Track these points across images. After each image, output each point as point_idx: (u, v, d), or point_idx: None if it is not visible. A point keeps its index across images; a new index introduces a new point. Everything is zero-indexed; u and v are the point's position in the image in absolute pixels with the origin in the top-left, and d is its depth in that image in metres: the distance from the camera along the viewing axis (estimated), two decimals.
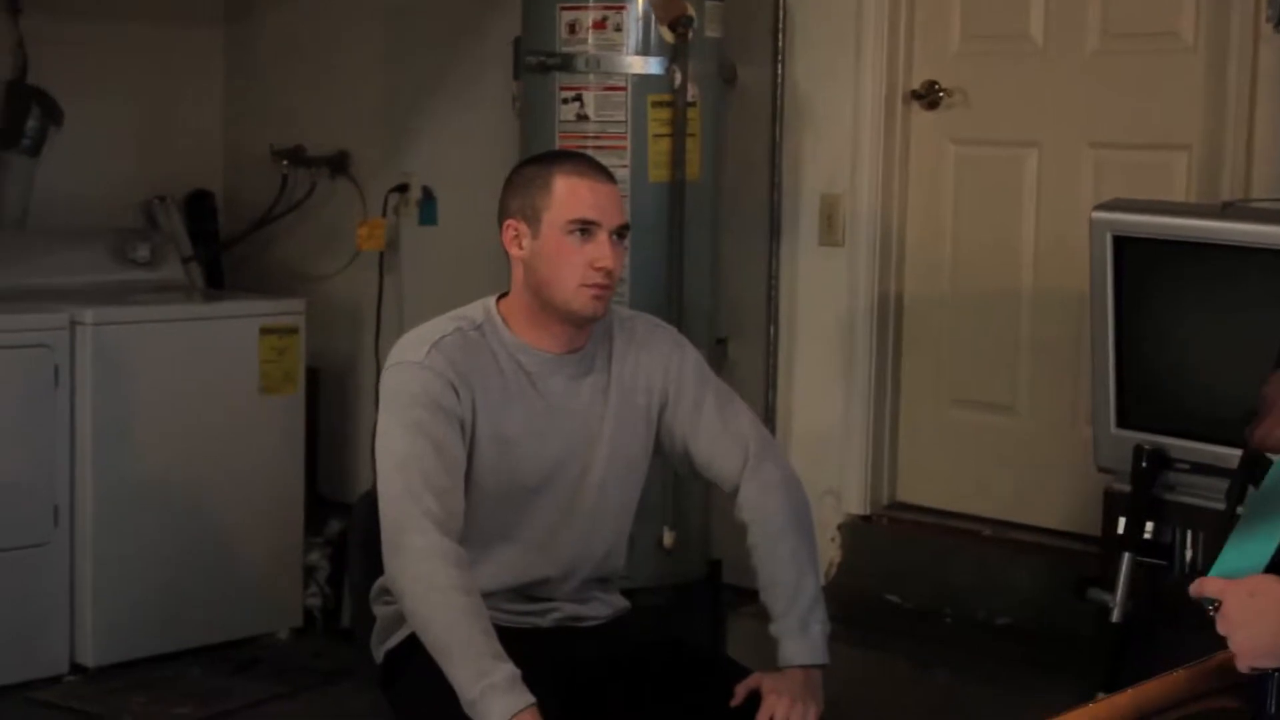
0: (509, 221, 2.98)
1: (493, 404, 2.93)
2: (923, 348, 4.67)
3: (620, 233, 2.96)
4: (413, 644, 2.86)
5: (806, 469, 4.62)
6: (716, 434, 3.06)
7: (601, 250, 2.92)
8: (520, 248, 2.96)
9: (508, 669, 2.70)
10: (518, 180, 3.01)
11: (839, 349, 4.68)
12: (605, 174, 3.00)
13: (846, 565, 4.66)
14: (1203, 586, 2.08)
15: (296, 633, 5.14)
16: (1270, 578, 2.03)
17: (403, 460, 2.86)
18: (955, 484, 4.62)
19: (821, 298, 4.71)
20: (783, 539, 3.00)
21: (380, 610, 3.02)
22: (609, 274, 2.92)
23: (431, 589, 2.77)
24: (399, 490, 2.85)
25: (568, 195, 2.92)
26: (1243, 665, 2.04)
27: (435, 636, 2.75)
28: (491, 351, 2.96)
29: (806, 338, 4.75)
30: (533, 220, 2.94)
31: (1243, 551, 2.07)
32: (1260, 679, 2.08)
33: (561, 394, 2.98)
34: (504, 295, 3.03)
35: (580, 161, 3.03)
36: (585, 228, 2.92)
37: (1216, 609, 2.05)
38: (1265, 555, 2.05)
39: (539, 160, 3.07)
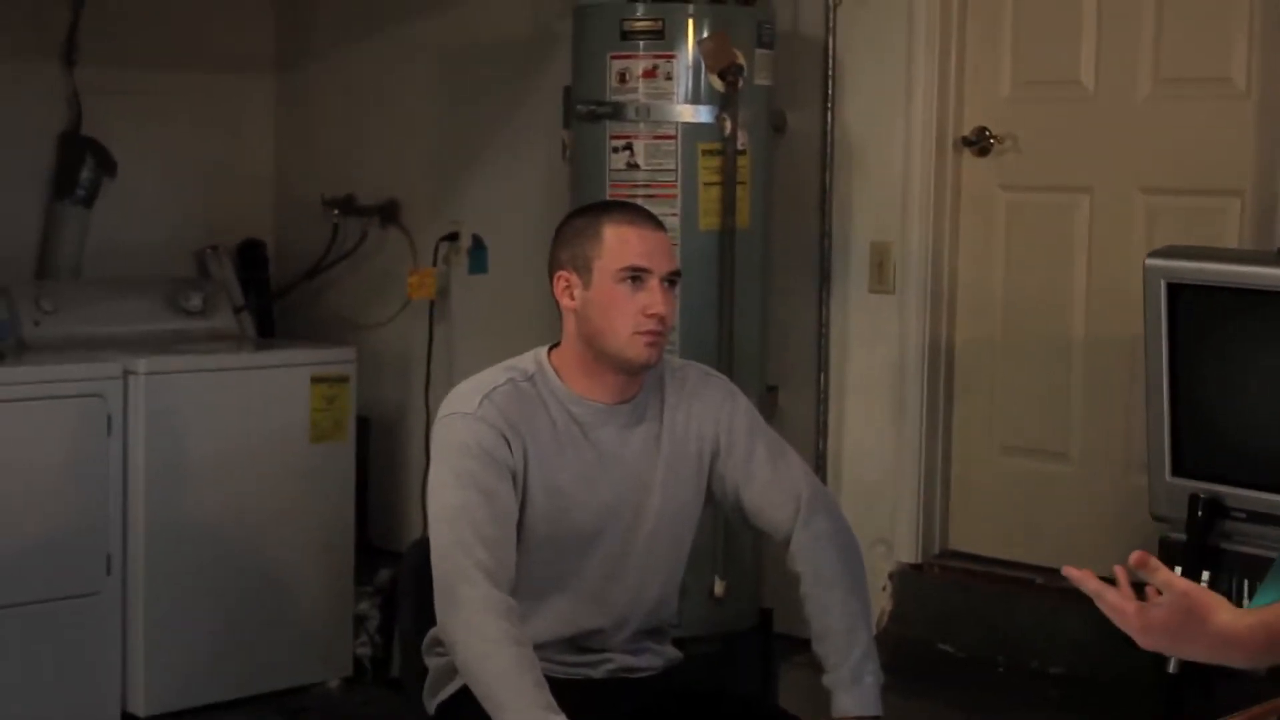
0: (560, 273, 2.98)
1: (544, 455, 2.92)
2: (974, 395, 4.65)
3: (671, 279, 2.96)
4: (465, 696, 2.85)
5: (857, 517, 4.60)
6: (768, 484, 3.05)
7: (653, 297, 2.92)
8: (572, 298, 2.96)
9: None
10: (567, 231, 3.01)
11: (890, 397, 4.67)
12: (655, 221, 3.00)
13: (898, 614, 4.63)
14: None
15: (347, 682, 5.12)
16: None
17: (454, 512, 2.86)
18: (1007, 532, 4.59)
19: (872, 345, 4.69)
20: (835, 589, 2.99)
21: (433, 662, 3.02)
22: (662, 320, 2.92)
23: (483, 641, 2.76)
24: (450, 542, 2.84)
25: (618, 244, 2.93)
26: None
27: (486, 688, 2.75)
28: (543, 402, 2.96)
29: (857, 385, 4.74)
30: (584, 270, 2.94)
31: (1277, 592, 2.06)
32: None
33: (613, 444, 2.98)
34: (555, 346, 3.03)
35: (629, 210, 3.03)
36: (636, 275, 2.92)
37: None
38: None
39: (588, 211, 3.08)
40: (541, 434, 2.93)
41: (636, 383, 3.01)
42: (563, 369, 2.99)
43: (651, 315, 2.91)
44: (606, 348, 2.94)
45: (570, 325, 2.98)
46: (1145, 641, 2.04)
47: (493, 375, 2.98)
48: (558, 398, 2.97)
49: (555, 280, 2.99)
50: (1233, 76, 4.15)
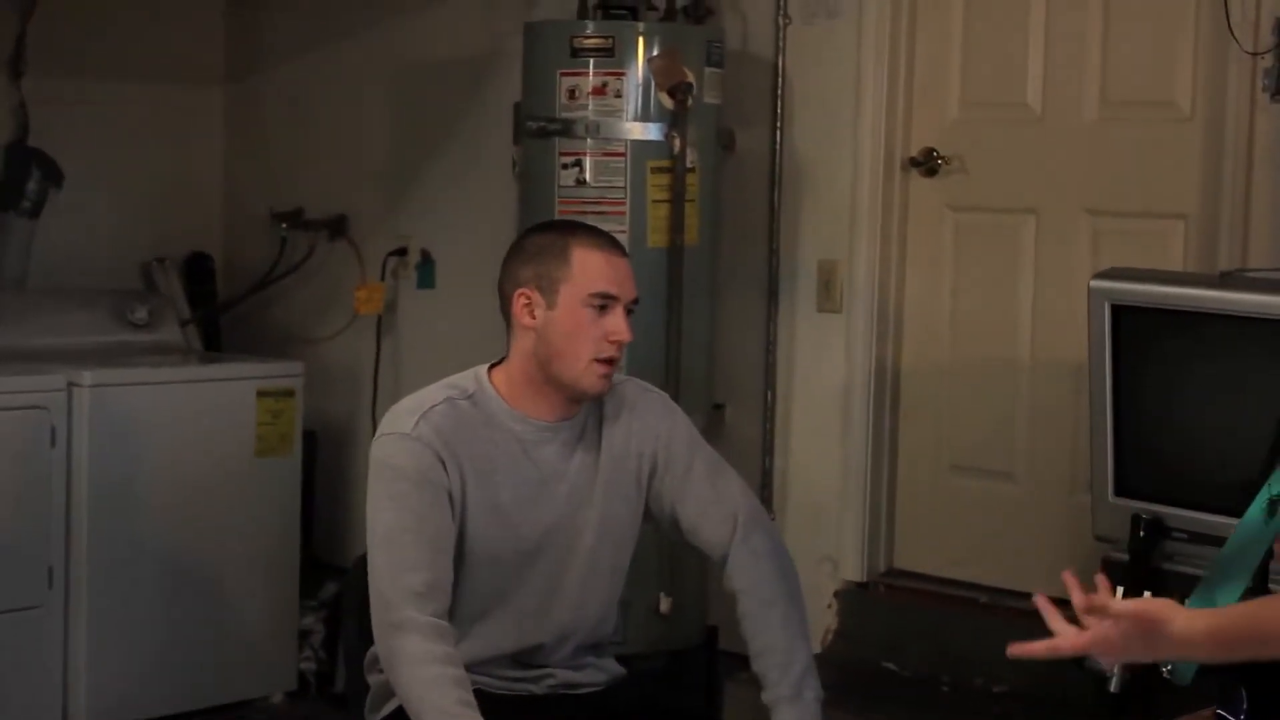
0: (522, 290, 2.94)
1: (482, 474, 2.92)
2: (921, 414, 4.67)
3: (631, 307, 2.96)
4: (405, 713, 2.85)
5: (803, 536, 4.65)
6: (706, 501, 3.05)
7: (618, 324, 2.91)
8: (533, 317, 2.93)
9: None
10: (530, 248, 2.97)
11: (837, 415, 4.68)
12: (620, 248, 2.99)
13: (843, 633, 4.64)
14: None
15: (290, 696, 5.10)
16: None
17: (385, 535, 2.88)
18: (953, 551, 4.60)
19: (819, 364, 4.71)
20: (774, 607, 3.00)
21: (374, 679, 3.01)
22: (621, 348, 2.93)
23: (410, 663, 2.79)
24: (382, 566, 2.87)
25: (588, 268, 2.91)
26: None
27: (415, 710, 2.77)
28: (483, 421, 2.95)
29: (804, 404, 4.75)
30: (548, 290, 2.91)
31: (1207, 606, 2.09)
32: None
33: (555, 461, 2.98)
34: (495, 364, 3.02)
35: (596, 233, 3.00)
36: (605, 303, 2.91)
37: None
38: None
39: (552, 229, 3.06)
40: (480, 453, 2.92)
41: (579, 404, 3.01)
42: (505, 387, 2.98)
43: (614, 341, 2.91)
44: (562, 372, 2.92)
45: (526, 344, 2.95)
46: (1108, 661, 2.13)
47: (431, 394, 2.96)
48: (498, 416, 2.96)
49: (515, 298, 2.94)
50: (1177, 100, 4.19)
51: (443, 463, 2.88)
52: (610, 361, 2.92)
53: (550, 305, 2.92)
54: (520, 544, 2.95)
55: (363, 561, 3.07)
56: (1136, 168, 4.25)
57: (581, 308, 2.90)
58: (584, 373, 2.91)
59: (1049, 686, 4.12)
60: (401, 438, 2.90)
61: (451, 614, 2.89)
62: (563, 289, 2.91)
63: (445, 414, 2.92)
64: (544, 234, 3.01)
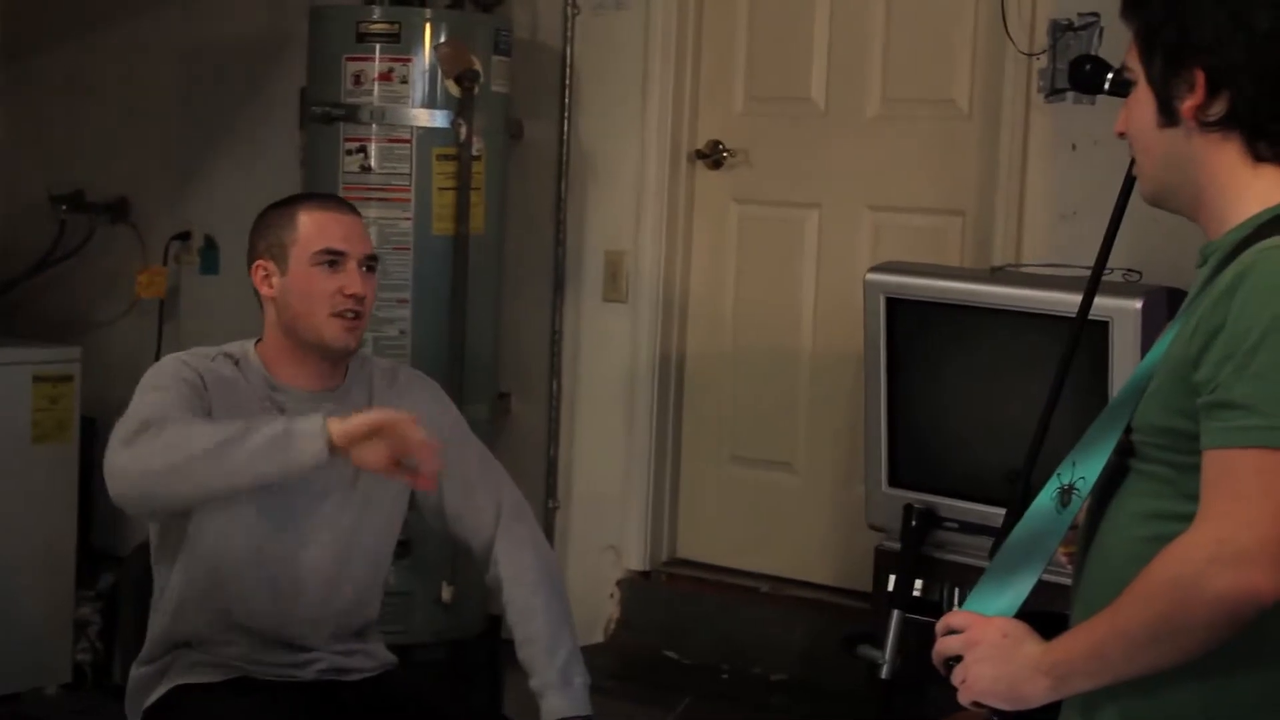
0: (258, 262, 3.00)
1: None
2: (704, 405, 4.71)
3: (369, 264, 2.99)
4: (168, 703, 2.82)
5: (587, 525, 4.67)
6: (471, 490, 3.07)
7: (351, 278, 2.95)
8: (271, 286, 2.98)
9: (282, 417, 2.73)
10: (263, 223, 3.04)
11: (621, 405, 4.70)
12: (349, 207, 3.06)
13: (626, 621, 4.66)
14: (954, 617, 2.08)
15: (65, 688, 5.01)
16: (1024, 625, 2.04)
17: (143, 410, 2.82)
18: (734, 541, 4.65)
19: (604, 354, 4.73)
20: (537, 595, 3.03)
21: (136, 671, 2.97)
22: (360, 300, 2.95)
23: (177, 428, 2.74)
24: (132, 417, 2.80)
25: (313, 228, 2.97)
26: (966, 698, 2.02)
27: (207, 448, 2.71)
28: (247, 384, 2.96)
29: (589, 393, 4.77)
30: (280, 257, 2.97)
31: (987, 604, 2.09)
32: None
33: None
34: (260, 340, 3.04)
35: (323, 197, 3.12)
36: (333, 258, 2.95)
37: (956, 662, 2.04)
38: (1011, 609, 2.06)
39: (283, 202, 3.11)
40: (243, 412, 2.90)
41: (340, 371, 3.03)
42: (265, 358, 3.01)
43: (349, 295, 2.93)
44: (305, 332, 2.95)
45: (270, 314, 3.00)
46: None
47: (202, 350, 3.01)
48: (261, 383, 2.98)
49: (254, 270, 3.01)
50: (956, 98, 4.27)
51: (207, 393, 2.88)
52: (350, 316, 2.94)
53: (283, 271, 2.97)
54: (274, 511, 2.92)
55: (140, 551, 3.03)
56: (916, 164, 4.32)
57: (311, 267, 2.95)
58: (325, 325, 2.94)
59: (826, 674, 4.19)
60: (170, 359, 2.95)
61: (206, 573, 2.86)
62: (292, 252, 2.96)
63: (216, 367, 2.96)
64: (276, 207, 3.07)
